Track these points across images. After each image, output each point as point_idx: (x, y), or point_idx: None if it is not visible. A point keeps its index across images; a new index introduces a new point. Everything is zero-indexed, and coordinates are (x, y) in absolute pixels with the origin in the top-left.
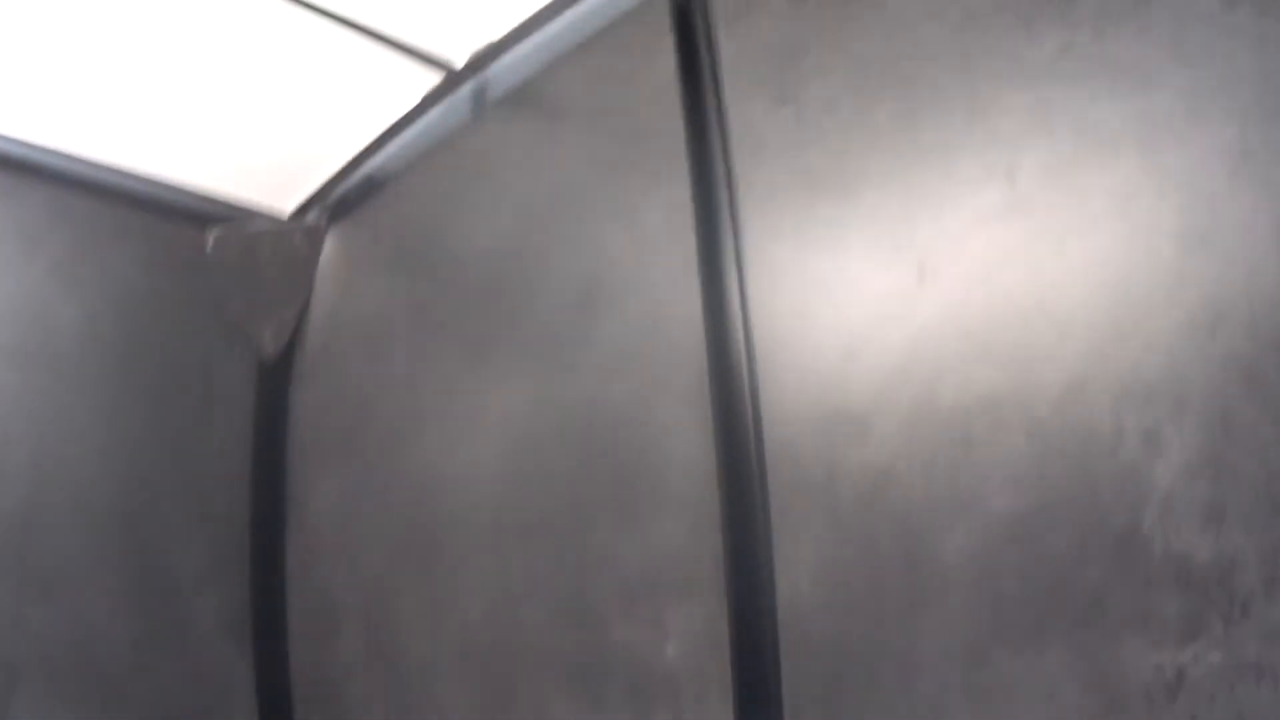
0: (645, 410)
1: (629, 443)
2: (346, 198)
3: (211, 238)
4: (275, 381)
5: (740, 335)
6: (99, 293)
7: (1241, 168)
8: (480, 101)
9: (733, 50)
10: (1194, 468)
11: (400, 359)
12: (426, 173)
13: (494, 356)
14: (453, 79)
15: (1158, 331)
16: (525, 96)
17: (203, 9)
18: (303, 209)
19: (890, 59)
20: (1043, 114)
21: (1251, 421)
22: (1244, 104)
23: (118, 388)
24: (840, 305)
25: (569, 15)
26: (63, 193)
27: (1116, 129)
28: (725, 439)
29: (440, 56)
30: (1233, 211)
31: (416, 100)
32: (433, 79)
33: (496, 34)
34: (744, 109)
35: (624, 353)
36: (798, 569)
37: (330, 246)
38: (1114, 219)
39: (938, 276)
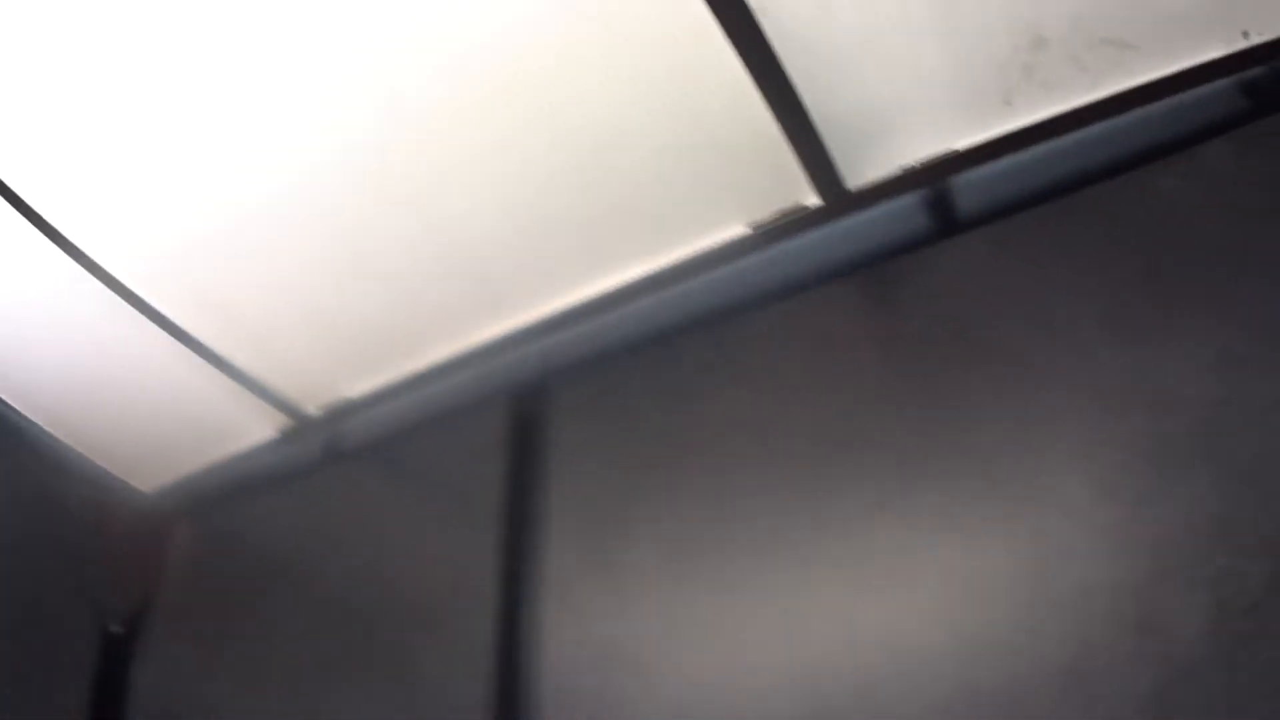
0: None
1: None
2: (203, 493)
3: (70, 492)
4: (119, 653)
5: None
6: None
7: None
8: (330, 447)
9: (559, 494)
10: None
11: (243, 668)
12: (275, 495)
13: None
14: (305, 424)
15: None
16: (370, 452)
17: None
18: (160, 492)
19: (707, 531)
20: (846, 618)
21: None
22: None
23: None
24: None
25: (417, 393)
26: None
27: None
28: None
29: (295, 404)
30: None
31: (272, 433)
32: (288, 420)
33: (351, 393)
34: (560, 560)
35: None
36: None
37: (185, 534)
38: None
39: None
